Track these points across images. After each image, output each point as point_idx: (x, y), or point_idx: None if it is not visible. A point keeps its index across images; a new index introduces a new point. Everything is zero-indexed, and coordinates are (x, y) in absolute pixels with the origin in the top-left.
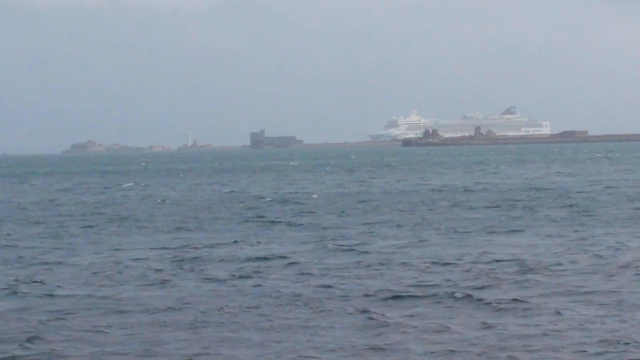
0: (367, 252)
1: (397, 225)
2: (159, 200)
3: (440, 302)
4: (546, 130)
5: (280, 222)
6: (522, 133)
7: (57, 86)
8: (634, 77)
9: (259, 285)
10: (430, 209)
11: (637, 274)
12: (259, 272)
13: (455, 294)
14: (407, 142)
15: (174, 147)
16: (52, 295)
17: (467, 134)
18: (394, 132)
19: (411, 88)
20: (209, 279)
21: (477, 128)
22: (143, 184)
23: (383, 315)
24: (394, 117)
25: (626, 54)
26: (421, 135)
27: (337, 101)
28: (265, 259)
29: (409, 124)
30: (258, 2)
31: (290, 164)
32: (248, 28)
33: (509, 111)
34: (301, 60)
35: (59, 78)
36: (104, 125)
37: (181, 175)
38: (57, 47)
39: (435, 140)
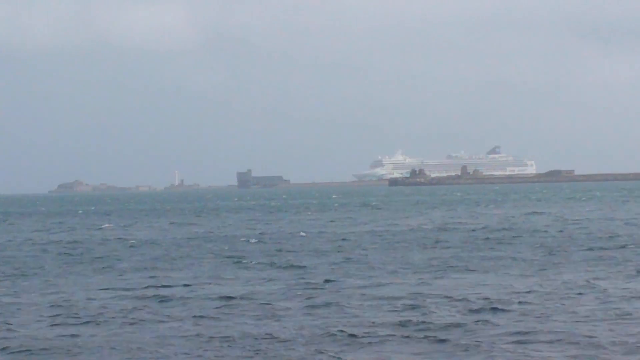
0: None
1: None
2: (132, 241)
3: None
4: (531, 169)
5: (249, 261)
6: (508, 172)
7: (43, 126)
8: (621, 116)
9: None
10: (394, 249)
11: (592, 314)
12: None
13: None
14: (393, 182)
15: (160, 186)
16: None
17: (453, 174)
18: (379, 171)
19: (396, 127)
20: (163, 320)
21: (464, 167)
22: (122, 225)
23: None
24: (379, 157)
25: (613, 93)
26: (408, 175)
27: (323, 141)
28: (229, 297)
29: (394, 163)
30: (242, 41)
31: (271, 203)
32: (233, 67)
33: (494, 151)
34: (287, 100)
35: (45, 118)
36: (91, 165)
37: (157, 217)
38: (41, 87)
39: (422, 180)
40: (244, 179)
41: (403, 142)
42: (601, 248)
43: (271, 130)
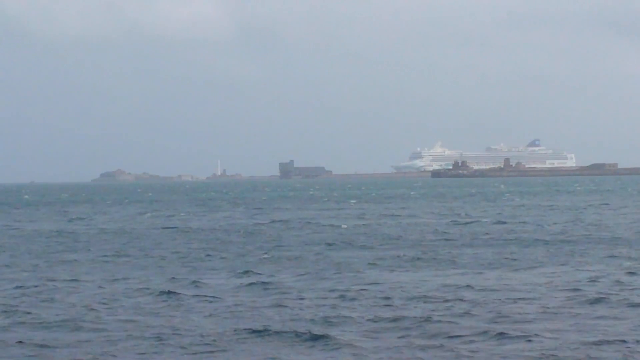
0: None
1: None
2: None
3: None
4: (571, 162)
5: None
6: (547, 165)
7: (86, 115)
8: None
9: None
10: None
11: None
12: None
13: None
14: (436, 174)
15: (203, 176)
16: None
17: (492, 166)
18: (418, 163)
19: (436, 119)
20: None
21: (506, 160)
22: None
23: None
24: (419, 149)
25: None
26: (450, 167)
27: (363, 132)
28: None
29: (433, 155)
30: (274, 31)
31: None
32: (267, 57)
33: (533, 143)
34: (325, 92)
35: (88, 107)
36: (134, 154)
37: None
38: (81, 77)
39: (465, 172)
40: (286, 170)
41: (442, 134)
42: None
43: (313, 120)
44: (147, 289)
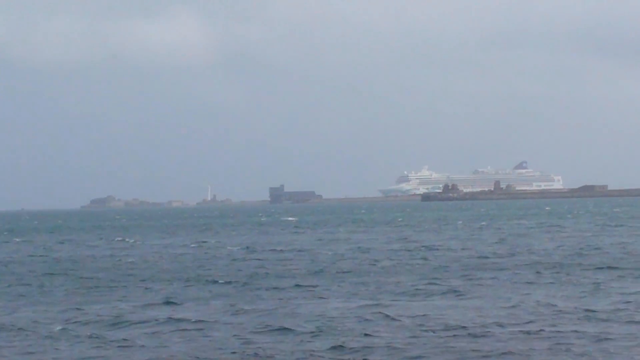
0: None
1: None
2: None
3: None
4: (558, 184)
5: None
6: (534, 188)
7: (75, 141)
8: None
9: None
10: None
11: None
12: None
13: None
14: (426, 197)
15: (193, 202)
16: None
17: (482, 189)
18: (405, 186)
19: (422, 142)
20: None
21: (497, 182)
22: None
23: None
24: (405, 172)
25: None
26: (439, 190)
27: (352, 156)
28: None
29: (420, 178)
30: (263, 58)
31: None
32: (257, 84)
33: (521, 166)
34: (313, 116)
35: (76, 133)
36: (124, 181)
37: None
38: (67, 103)
39: (455, 195)
40: (277, 194)
41: (429, 158)
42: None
43: (303, 145)
44: None
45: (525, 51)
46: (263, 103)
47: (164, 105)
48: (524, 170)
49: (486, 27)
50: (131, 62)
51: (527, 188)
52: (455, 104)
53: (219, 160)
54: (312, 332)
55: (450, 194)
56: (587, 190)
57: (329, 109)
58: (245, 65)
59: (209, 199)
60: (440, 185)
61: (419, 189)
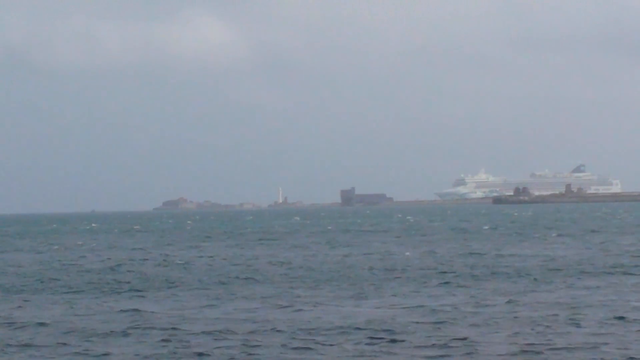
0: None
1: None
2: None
3: None
4: (616, 188)
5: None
6: (592, 191)
7: (149, 144)
8: None
9: None
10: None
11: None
12: None
13: None
14: (497, 200)
15: (264, 204)
16: None
17: (553, 192)
18: (461, 190)
19: (478, 145)
20: None
21: (568, 186)
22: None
23: None
24: (462, 175)
25: None
26: (496, 193)
27: (415, 159)
28: None
29: (477, 182)
30: (297, 63)
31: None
32: (295, 86)
33: (578, 169)
34: (363, 118)
35: (145, 134)
36: (196, 183)
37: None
38: (138, 105)
39: (526, 198)
40: (348, 197)
41: (486, 161)
42: None
43: (373, 147)
44: None
45: (559, 53)
46: (315, 106)
47: (224, 108)
48: (582, 174)
49: (515, 29)
50: (175, 64)
51: (595, 191)
52: (514, 106)
53: (291, 163)
54: None
55: (522, 197)
56: None
57: (388, 113)
58: (284, 70)
59: (280, 201)
60: (497, 189)
61: (475, 192)
